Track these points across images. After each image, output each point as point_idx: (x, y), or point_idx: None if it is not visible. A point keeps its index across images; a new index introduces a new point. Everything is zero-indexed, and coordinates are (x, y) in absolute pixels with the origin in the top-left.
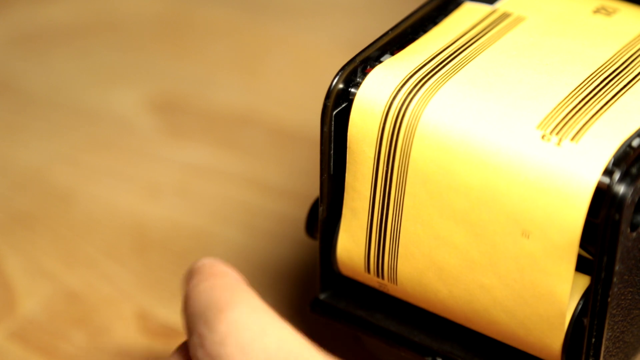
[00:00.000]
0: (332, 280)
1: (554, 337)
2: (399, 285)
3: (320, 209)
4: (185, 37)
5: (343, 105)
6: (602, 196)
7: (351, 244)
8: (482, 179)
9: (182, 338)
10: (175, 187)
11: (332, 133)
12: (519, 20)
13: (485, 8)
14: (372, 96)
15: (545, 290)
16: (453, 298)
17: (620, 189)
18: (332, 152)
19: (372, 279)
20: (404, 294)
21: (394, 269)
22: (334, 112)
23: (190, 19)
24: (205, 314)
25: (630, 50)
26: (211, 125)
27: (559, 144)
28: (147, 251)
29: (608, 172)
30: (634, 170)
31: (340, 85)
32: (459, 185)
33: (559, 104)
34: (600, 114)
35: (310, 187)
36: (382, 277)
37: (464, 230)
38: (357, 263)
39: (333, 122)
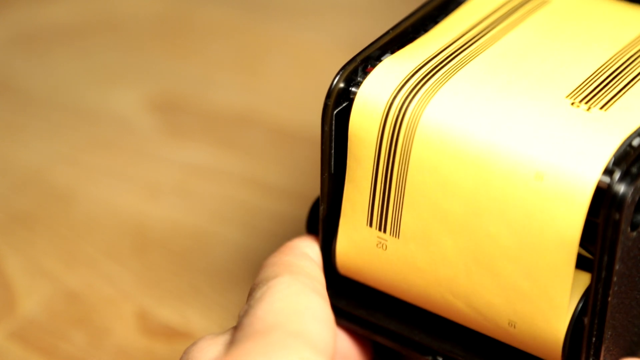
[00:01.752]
0: (332, 280)
1: (560, 288)
2: (401, 239)
3: (321, 208)
4: (185, 37)
5: (344, 105)
6: (602, 196)
7: (355, 195)
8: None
9: (182, 338)
10: (175, 187)
11: (333, 132)
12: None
13: None
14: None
15: (554, 235)
16: (457, 249)
17: (621, 188)
18: (332, 151)
19: (372, 237)
20: (404, 252)
21: (397, 218)
22: (335, 112)
23: (190, 19)
24: (257, 284)
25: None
26: (211, 125)
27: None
28: (147, 251)
29: (608, 172)
30: (634, 169)
31: (341, 85)
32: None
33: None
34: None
35: (310, 187)
36: (384, 230)
37: (472, 176)
38: (359, 216)
39: (334, 122)
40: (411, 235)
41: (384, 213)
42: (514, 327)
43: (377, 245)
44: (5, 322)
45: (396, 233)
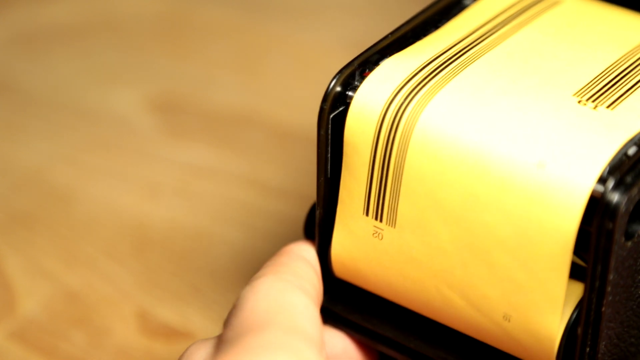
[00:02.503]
0: (328, 285)
1: (557, 279)
2: (397, 228)
3: (318, 212)
4: (185, 37)
5: (340, 109)
6: (595, 205)
7: (352, 183)
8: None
9: (182, 338)
10: (175, 187)
11: (329, 136)
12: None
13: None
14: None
15: (552, 225)
16: (453, 240)
17: (614, 197)
18: (329, 155)
19: (368, 226)
20: (399, 242)
21: (394, 207)
22: (331, 116)
23: (190, 19)
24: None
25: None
26: (211, 125)
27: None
28: (147, 251)
29: (602, 181)
30: (628, 178)
31: (338, 89)
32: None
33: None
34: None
35: (310, 187)
36: (381, 219)
37: (471, 167)
38: (356, 205)
39: (330, 126)
40: (407, 225)
41: (380, 202)
42: (509, 320)
43: (373, 234)
44: (5, 322)
45: (392, 222)
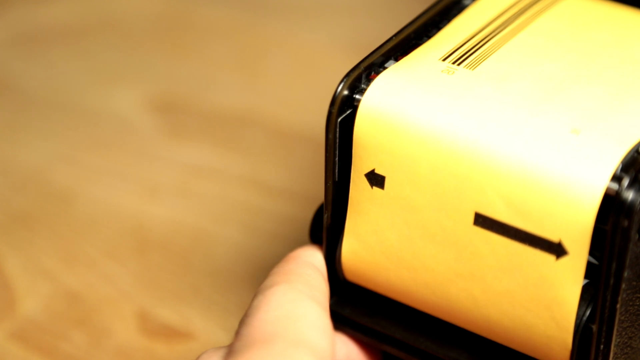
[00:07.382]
0: (337, 287)
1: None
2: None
3: (325, 215)
4: (185, 37)
5: (348, 112)
6: (610, 202)
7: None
8: (485, 178)
9: (182, 338)
10: (175, 187)
11: (337, 140)
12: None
13: None
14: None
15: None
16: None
17: (629, 195)
18: (337, 159)
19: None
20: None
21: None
22: (339, 119)
23: (190, 19)
24: (256, 294)
25: None
26: (211, 125)
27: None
28: (147, 251)
29: (616, 178)
30: None
31: (345, 92)
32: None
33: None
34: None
35: (310, 187)
36: None
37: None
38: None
39: (338, 129)
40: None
41: None
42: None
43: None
44: (5, 322)
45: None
